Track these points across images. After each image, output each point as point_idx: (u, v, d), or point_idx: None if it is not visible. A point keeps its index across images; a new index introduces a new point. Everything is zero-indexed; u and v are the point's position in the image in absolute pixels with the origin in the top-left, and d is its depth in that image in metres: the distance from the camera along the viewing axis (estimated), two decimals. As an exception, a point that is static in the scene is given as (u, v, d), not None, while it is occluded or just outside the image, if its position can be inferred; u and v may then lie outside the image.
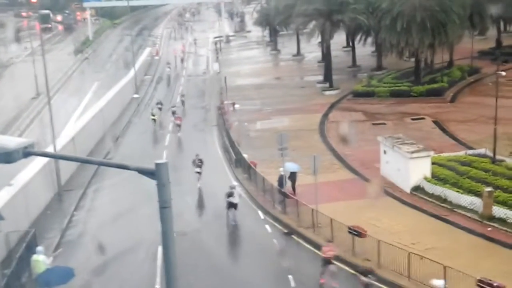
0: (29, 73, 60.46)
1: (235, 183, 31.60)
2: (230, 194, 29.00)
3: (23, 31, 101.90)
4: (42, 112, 53.25)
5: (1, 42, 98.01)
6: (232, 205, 28.81)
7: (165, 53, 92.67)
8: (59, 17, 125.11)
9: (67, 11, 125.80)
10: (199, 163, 34.21)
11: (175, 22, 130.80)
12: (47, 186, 33.90)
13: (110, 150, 44.59)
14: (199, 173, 34.10)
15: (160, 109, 52.44)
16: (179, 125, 47.34)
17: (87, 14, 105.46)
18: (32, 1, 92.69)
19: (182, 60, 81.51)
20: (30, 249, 24.10)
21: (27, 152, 7.96)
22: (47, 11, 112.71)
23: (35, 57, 62.83)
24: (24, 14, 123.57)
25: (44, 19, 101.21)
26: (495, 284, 19.50)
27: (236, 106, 53.45)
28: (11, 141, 7.93)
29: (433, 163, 31.56)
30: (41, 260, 22.79)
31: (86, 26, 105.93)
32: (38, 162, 31.78)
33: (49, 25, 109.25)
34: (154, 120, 49.71)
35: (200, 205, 33.22)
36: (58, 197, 34.42)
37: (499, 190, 27.71)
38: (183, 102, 56.39)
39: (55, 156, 31.31)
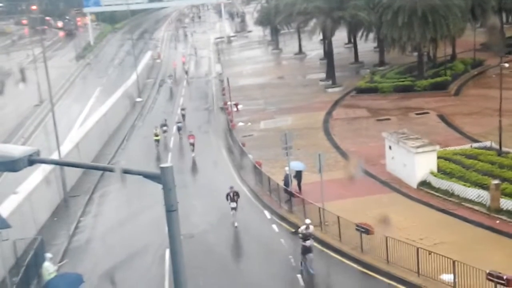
0: (32, 80, 60.54)
1: (308, 220, 24.54)
2: (305, 237, 23.93)
3: (24, 38, 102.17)
4: (45, 119, 53.32)
5: (3, 50, 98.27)
6: (308, 250, 24.03)
7: (166, 56, 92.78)
8: (59, 23, 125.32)
9: (67, 17, 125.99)
10: (234, 197, 28.97)
11: (174, 29, 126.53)
12: (53, 192, 33.92)
13: (114, 155, 44.68)
14: (235, 208, 28.92)
15: (165, 131, 46.41)
16: (192, 144, 41.65)
17: (88, 19, 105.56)
18: (32, 8, 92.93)
19: (186, 72, 75.75)
20: (38, 256, 24.11)
21: (32, 160, 7.93)
22: (40, 15, 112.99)
23: (37, 64, 62.97)
24: (24, 21, 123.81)
25: (40, 22, 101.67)
26: (505, 277, 19.37)
27: (240, 106, 53.44)
28: (16, 150, 7.91)
29: (439, 157, 31.44)
30: (46, 266, 22.83)
31: (87, 32, 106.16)
32: (43, 169, 31.80)
33: (45, 27, 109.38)
34: (157, 140, 44.27)
35: (238, 245, 28.69)
36: (64, 203, 34.45)
37: (506, 182, 27.58)
38: (183, 116, 51.28)
39: (60, 163, 31.29)
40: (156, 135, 44.49)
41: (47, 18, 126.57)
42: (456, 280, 20.56)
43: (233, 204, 28.88)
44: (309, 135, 42.34)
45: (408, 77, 53.64)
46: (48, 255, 23.67)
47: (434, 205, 28.71)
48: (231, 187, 29.57)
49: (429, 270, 21.65)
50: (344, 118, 47.14)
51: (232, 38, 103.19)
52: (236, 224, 28.99)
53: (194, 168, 40.56)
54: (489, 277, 19.62)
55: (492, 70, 52.18)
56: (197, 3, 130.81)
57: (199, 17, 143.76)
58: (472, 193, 27.93)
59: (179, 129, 47.40)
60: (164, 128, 46.57)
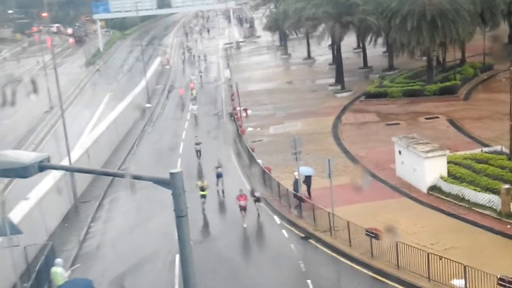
0: (42, 87, 60.92)
1: None
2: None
3: (34, 45, 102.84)
4: (56, 125, 53.58)
5: (13, 57, 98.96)
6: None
7: (175, 62, 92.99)
8: (69, 30, 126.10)
9: (77, 24, 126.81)
10: None
11: (180, 46, 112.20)
12: (64, 198, 34.06)
13: (124, 160, 44.81)
14: None
15: (257, 201, 30.94)
16: (244, 209, 29.66)
17: (98, 26, 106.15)
18: (43, 15, 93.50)
19: (195, 98, 64.06)
20: (49, 262, 24.19)
21: (42, 166, 7.99)
22: (26, 20, 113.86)
23: (47, 70, 63.38)
24: (34, 28, 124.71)
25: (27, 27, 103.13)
26: (516, 282, 19.28)
27: (249, 111, 53.49)
28: (27, 156, 7.97)
29: (449, 162, 31.31)
30: (59, 272, 22.89)
31: (96, 38, 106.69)
32: (54, 175, 31.94)
33: (33, 30, 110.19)
34: (204, 196, 31.72)
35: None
36: (74, 209, 34.59)
37: (516, 187, 27.45)
38: (198, 152, 42.00)
39: (70, 169, 31.44)
40: (202, 189, 31.89)
41: (57, 24, 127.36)
42: (467, 285, 20.45)
43: None
44: (318, 140, 42.30)
45: (417, 81, 53.48)
46: (59, 260, 23.76)
47: (445, 210, 28.58)
48: None
49: (440, 275, 21.55)
50: (353, 123, 47.07)
51: (241, 44, 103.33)
52: None
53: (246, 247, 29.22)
54: (500, 282, 19.52)
55: (501, 74, 51.94)
56: (205, 9, 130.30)
57: (208, 31, 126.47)
58: (483, 197, 27.79)
59: (218, 176, 34.76)
60: (256, 197, 30.84)
